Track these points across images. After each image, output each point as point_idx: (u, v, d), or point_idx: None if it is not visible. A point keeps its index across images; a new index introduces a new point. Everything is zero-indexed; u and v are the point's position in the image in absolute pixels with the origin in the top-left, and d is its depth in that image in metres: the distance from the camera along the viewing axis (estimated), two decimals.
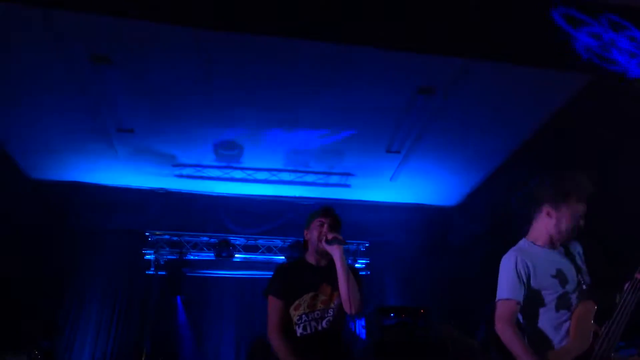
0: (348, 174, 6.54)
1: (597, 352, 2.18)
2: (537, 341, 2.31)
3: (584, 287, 2.39)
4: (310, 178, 6.56)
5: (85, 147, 5.85)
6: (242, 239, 6.92)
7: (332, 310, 2.64)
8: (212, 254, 6.80)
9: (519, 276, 2.34)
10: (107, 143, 5.74)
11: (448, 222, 7.34)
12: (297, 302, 2.65)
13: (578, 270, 2.40)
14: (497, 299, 2.38)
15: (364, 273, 7.22)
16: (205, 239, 6.86)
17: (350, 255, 7.14)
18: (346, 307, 2.56)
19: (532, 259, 2.38)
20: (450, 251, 7.22)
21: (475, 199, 6.87)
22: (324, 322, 2.62)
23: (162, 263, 6.75)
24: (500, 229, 5.98)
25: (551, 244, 2.44)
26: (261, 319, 6.81)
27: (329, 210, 2.89)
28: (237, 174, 6.46)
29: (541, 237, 2.44)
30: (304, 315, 2.63)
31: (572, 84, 4.66)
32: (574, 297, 2.34)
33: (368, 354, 5.45)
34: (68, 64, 4.44)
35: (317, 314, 2.63)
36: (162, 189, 6.73)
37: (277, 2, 3.55)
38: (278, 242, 7.03)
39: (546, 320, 2.34)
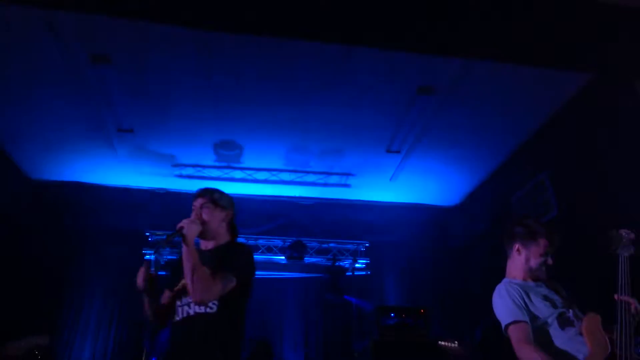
0: (348, 174, 6.54)
1: (622, 356, 2.19)
2: None
3: (577, 309, 2.45)
4: (310, 178, 6.56)
5: (85, 147, 5.85)
6: (242, 239, 6.92)
7: None
8: None
9: (514, 301, 2.41)
10: (107, 143, 5.74)
11: (448, 222, 7.34)
12: (176, 289, 2.57)
13: (564, 298, 2.49)
14: (503, 326, 2.41)
15: (363, 273, 7.22)
16: None
17: (350, 255, 7.15)
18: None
19: (520, 287, 2.48)
20: (450, 251, 7.22)
21: (475, 199, 6.87)
22: (195, 307, 2.43)
23: (163, 263, 6.74)
24: (500, 229, 5.99)
25: (529, 279, 2.57)
26: (261, 318, 6.85)
27: (197, 193, 2.75)
28: (237, 174, 6.46)
29: (518, 274, 2.59)
30: (178, 301, 2.54)
31: (572, 84, 4.65)
32: (570, 315, 2.39)
33: (368, 354, 5.45)
34: (68, 64, 4.44)
35: (189, 299, 2.44)
36: (162, 189, 6.73)
37: (276, 2, 3.55)
38: (278, 242, 7.03)
39: (560, 339, 2.36)
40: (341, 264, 7.16)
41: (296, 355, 6.77)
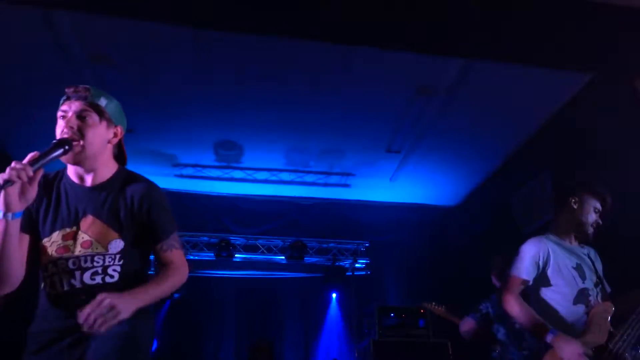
0: (348, 174, 6.54)
1: (612, 350, 2.23)
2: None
3: (604, 289, 2.51)
4: (310, 178, 6.56)
5: None
6: (242, 239, 6.92)
7: (102, 257, 1.71)
8: (212, 254, 6.80)
9: (534, 258, 2.49)
10: None
11: (448, 222, 7.34)
12: (44, 242, 1.74)
13: (597, 274, 2.54)
14: (509, 270, 2.55)
15: (363, 273, 7.22)
16: (205, 239, 6.85)
17: (350, 255, 7.14)
18: None
19: (555, 248, 2.54)
20: (450, 251, 7.21)
21: (475, 199, 6.87)
22: (83, 276, 1.69)
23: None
24: (500, 229, 5.99)
25: (575, 238, 2.63)
26: (261, 318, 6.85)
27: (70, 91, 1.88)
28: (237, 174, 6.46)
29: (566, 231, 2.63)
30: (50, 265, 1.72)
31: (572, 84, 4.66)
32: (593, 295, 2.45)
33: (368, 354, 5.45)
34: (68, 64, 4.44)
35: (73, 263, 1.69)
36: (162, 189, 6.73)
37: (277, 2, 3.55)
38: (278, 242, 7.02)
39: (563, 310, 2.43)
40: (341, 264, 7.16)
41: (296, 355, 6.77)
